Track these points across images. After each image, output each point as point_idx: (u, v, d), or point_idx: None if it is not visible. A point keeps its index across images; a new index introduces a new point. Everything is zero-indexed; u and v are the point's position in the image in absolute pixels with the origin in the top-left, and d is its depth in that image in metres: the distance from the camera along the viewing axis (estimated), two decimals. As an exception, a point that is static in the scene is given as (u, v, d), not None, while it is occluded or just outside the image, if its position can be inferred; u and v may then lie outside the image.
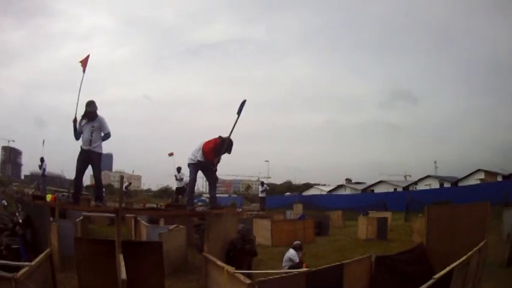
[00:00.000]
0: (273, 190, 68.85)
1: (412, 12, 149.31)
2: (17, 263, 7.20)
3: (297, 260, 11.35)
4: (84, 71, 9.82)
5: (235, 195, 79.65)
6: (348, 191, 66.24)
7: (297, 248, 11.77)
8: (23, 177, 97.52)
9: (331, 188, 72.87)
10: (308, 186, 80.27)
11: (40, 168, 25.20)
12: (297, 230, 20.04)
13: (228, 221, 10.55)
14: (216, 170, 10.86)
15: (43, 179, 25.16)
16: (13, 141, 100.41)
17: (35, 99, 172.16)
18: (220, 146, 10.23)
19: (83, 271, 9.91)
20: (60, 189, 44.51)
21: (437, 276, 6.74)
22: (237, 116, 10.02)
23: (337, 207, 35.18)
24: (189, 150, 10.88)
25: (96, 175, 10.16)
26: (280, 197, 60.63)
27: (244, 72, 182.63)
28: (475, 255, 8.61)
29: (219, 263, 8.34)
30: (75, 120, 9.52)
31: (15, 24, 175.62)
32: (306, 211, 31.05)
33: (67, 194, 34.31)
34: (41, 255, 7.63)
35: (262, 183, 31.61)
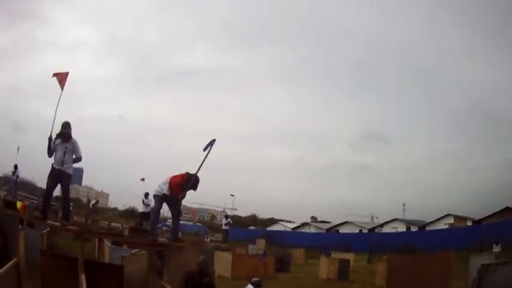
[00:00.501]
0: (238, 222, 68.85)
1: (387, 53, 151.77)
2: None
3: None
4: (62, 88, 9.92)
5: (200, 224, 79.49)
6: (312, 229, 66.09)
7: (256, 285, 11.50)
8: None
9: (295, 225, 72.72)
10: (273, 221, 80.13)
11: (13, 175, 25.49)
12: (258, 265, 20.11)
13: (189, 253, 10.84)
14: (180, 205, 11.06)
15: (15, 184, 25.61)
16: None
17: (14, 104, 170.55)
18: (187, 182, 10.32)
19: (46, 284, 9.91)
20: (30, 196, 44.16)
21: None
22: (205, 154, 10.13)
23: (300, 245, 35.61)
24: (156, 182, 11.01)
25: (65, 194, 10.47)
26: (244, 230, 60.38)
27: (219, 102, 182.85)
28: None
29: None
30: (50, 138, 9.64)
31: (1, 26, 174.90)
32: (269, 247, 31.41)
33: (36, 202, 34.09)
34: (9, 264, 7.86)
35: (227, 217, 31.62)
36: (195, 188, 10.40)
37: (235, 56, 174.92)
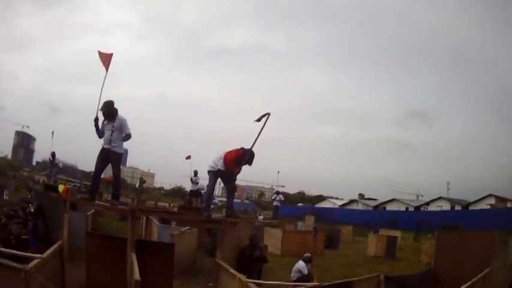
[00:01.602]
0: (286, 199, 68.48)
1: (429, 33, 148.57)
2: (29, 254, 7.25)
3: (306, 272, 11.36)
4: (107, 69, 9.84)
5: (248, 201, 79.35)
6: (360, 207, 65.69)
7: (307, 260, 11.75)
8: (34, 163, 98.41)
9: (344, 202, 72.38)
10: (321, 198, 79.30)
11: (51, 164, 25.61)
12: (307, 241, 20.05)
13: (242, 229, 10.57)
14: (235, 180, 10.91)
15: (55, 172, 25.51)
16: (27, 126, 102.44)
17: (50, 88, 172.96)
18: (242, 157, 10.11)
19: (91, 265, 10.09)
20: (72, 179, 45.21)
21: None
22: (260, 128, 9.82)
23: (348, 222, 35.23)
24: (207, 155, 11.08)
25: (116, 174, 10.14)
26: (292, 207, 59.47)
27: (262, 80, 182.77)
28: (479, 281, 8.73)
29: (232, 270, 8.39)
30: (96, 119, 9.58)
31: (34, 11, 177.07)
32: (317, 223, 30.92)
33: (79, 184, 34.60)
34: (53, 248, 7.62)
35: (278, 193, 31.34)
36: (250, 163, 10.24)
37: (276, 34, 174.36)
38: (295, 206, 61.53)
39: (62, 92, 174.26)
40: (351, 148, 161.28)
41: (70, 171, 65.85)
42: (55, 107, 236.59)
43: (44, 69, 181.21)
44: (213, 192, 11.73)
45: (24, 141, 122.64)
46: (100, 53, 9.93)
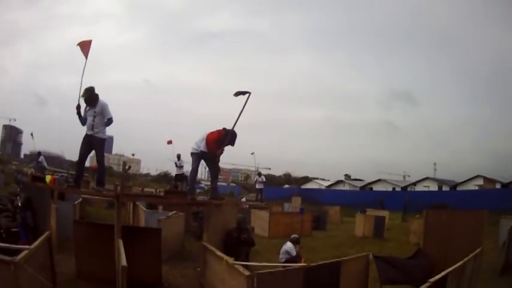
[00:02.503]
0: (272, 181, 68.32)
1: (414, 14, 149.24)
2: (17, 246, 7.14)
3: (294, 254, 11.29)
4: (86, 57, 9.66)
5: (234, 184, 79.51)
6: (346, 187, 66.20)
7: (295, 242, 11.68)
8: (22, 156, 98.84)
9: (330, 183, 72.82)
10: (307, 179, 79.82)
11: (36, 163, 26.30)
12: (295, 223, 19.79)
13: (228, 211, 10.58)
14: (218, 161, 10.86)
15: (39, 166, 25.72)
16: (14, 119, 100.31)
17: (37, 79, 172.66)
18: (224, 137, 10.09)
19: (80, 254, 10.02)
20: (59, 170, 45.07)
21: (432, 280, 6.77)
22: (241, 108, 9.77)
23: (335, 203, 35.21)
24: (192, 139, 10.76)
25: (99, 160, 10.18)
26: (278, 189, 60.04)
27: (246, 64, 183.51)
28: (471, 261, 8.63)
29: (218, 253, 8.36)
30: (78, 107, 9.50)
31: (20, 5, 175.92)
32: (304, 205, 30.88)
33: (66, 174, 34.40)
34: (40, 238, 7.56)
35: (260, 174, 31.00)
36: (232, 143, 10.19)
37: (260, 18, 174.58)
38: (281, 188, 61.77)
39: (49, 83, 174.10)
40: (337, 130, 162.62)
41: (57, 161, 65.68)
42: (43, 98, 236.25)
43: (31, 61, 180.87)
44: (196, 174, 11.57)
45: (11, 135, 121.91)
46: (80, 43, 9.80)
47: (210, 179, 11.98)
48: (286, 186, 67.32)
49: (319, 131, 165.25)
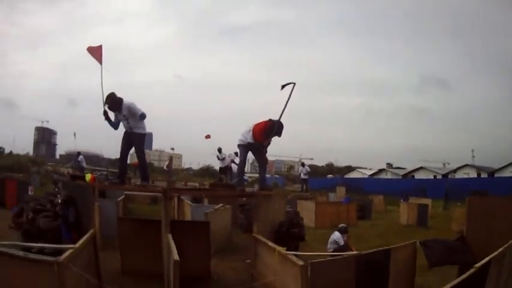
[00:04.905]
0: (315, 171, 67.75)
1: (440, 2, 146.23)
2: (61, 245, 7.01)
3: (342, 243, 11.29)
4: (100, 62, 9.44)
5: (277, 176, 79.18)
6: (388, 176, 65.38)
7: (342, 231, 11.69)
8: (58, 156, 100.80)
9: (372, 171, 72.18)
10: (350, 169, 79.14)
11: (75, 162, 26.88)
12: (340, 212, 19.95)
13: (276, 203, 10.14)
14: (265, 152, 10.52)
15: (78, 165, 25.97)
16: (47, 121, 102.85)
17: (68, 81, 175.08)
18: (271, 128, 9.75)
19: (125, 250, 10.23)
20: (98, 168, 45.57)
21: (478, 265, 6.72)
22: (286, 99, 9.48)
23: (378, 192, 34.72)
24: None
25: (140, 155, 9.96)
26: (322, 179, 59.63)
27: (276, 55, 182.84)
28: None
29: (270, 244, 8.23)
30: (104, 113, 9.30)
31: (43, 8, 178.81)
32: (348, 194, 31.00)
33: (105, 173, 34.59)
34: (85, 236, 7.52)
35: (303, 164, 31.15)
36: (279, 134, 9.89)
37: (287, 9, 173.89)
38: (325, 178, 61.30)
39: (79, 84, 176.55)
40: (373, 117, 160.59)
41: (95, 160, 66.47)
42: (74, 99, 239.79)
43: (59, 64, 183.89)
44: (244, 166, 11.32)
45: (45, 136, 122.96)
46: (89, 48, 9.55)
47: (258, 170, 11.57)
48: (330, 176, 66.66)
49: (356, 119, 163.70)
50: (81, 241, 6.94)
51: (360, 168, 78.38)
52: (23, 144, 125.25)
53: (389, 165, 72.89)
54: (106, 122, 9.38)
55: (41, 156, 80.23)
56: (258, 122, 10.17)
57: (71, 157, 34.41)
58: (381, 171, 70.31)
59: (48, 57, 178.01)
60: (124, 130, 9.51)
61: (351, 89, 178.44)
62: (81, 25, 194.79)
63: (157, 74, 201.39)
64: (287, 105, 9.51)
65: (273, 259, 7.63)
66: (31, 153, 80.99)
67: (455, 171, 58.39)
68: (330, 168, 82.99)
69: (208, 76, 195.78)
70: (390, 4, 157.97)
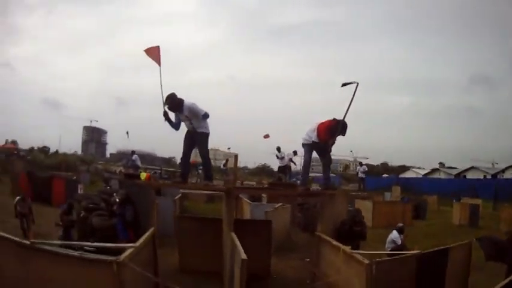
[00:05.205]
0: (370, 171, 66.95)
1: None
2: (122, 244, 6.87)
3: (399, 242, 11.31)
4: (159, 63, 9.37)
5: (333, 175, 78.62)
6: (441, 175, 64.02)
7: (400, 231, 11.71)
8: (108, 155, 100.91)
9: (426, 171, 70.77)
10: (404, 168, 77.59)
11: (129, 161, 26.43)
12: (396, 212, 19.95)
13: (340, 201, 10.06)
14: (330, 151, 10.28)
15: (132, 164, 25.33)
16: (96, 121, 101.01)
17: (116, 81, 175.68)
18: (335, 127, 9.57)
19: (183, 248, 10.63)
20: (151, 167, 44.95)
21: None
22: (351, 98, 9.19)
23: (430, 191, 34.49)
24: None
25: (203, 154, 9.71)
26: (377, 178, 57.94)
27: (326, 54, 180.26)
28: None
29: (335, 242, 8.16)
30: (165, 114, 9.20)
31: (87, 11, 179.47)
32: (403, 194, 30.95)
33: (159, 171, 34.89)
34: (146, 235, 7.43)
35: (361, 164, 31.44)
36: (343, 133, 9.68)
37: (335, 8, 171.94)
38: (380, 177, 60.77)
39: (127, 84, 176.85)
40: (424, 116, 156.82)
41: (149, 158, 66.81)
42: (123, 99, 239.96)
43: (106, 65, 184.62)
44: (309, 165, 10.77)
45: (94, 135, 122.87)
46: (146, 50, 9.46)
47: (322, 169, 11.07)
48: (385, 175, 65.97)
49: (407, 119, 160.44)
50: (141, 240, 6.97)
51: (414, 167, 77.01)
52: (69, 143, 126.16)
53: (442, 164, 71.58)
54: (166, 122, 9.32)
55: (90, 155, 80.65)
56: (322, 121, 10.05)
57: (122, 156, 34.58)
58: (434, 170, 68.96)
59: (95, 58, 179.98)
60: (186, 130, 9.46)
61: (399, 88, 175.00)
62: (128, 26, 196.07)
63: (209, 74, 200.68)
64: (351, 104, 9.30)
65: (337, 258, 7.63)
66: (79, 152, 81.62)
67: (503, 171, 56.94)
68: (385, 167, 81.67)
69: (260, 76, 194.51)
70: (439, 2, 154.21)
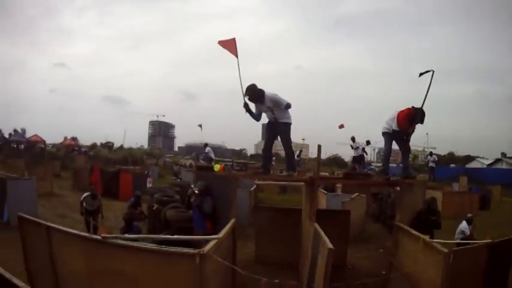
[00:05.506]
0: (437, 161, 65.99)
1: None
2: (203, 236, 7.01)
3: (468, 233, 11.37)
4: (236, 55, 9.10)
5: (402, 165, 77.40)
6: (503, 166, 62.33)
7: (469, 221, 11.75)
8: (176, 149, 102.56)
9: (489, 161, 68.58)
10: (469, 158, 74.44)
11: (200, 154, 26.87)
12: (464, 202, 19.94)
13: (417, 191, 9.85)
14: (409, 140, 10.18)
15: (205, 157, 25.18)
16: (163, 115, 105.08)
17: (183, 76, 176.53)
18: (414, 115, 9.45)
19: (260, 239, 10.94)
20: (222, 159, 45.31)
21: None
22: (427, 87, 9.00)
23: (494, 182, 34.41)
24: (383, 119, 10.30)
25: (286, 145, 9.39)
26: (444, 168, 57.58)
27: (389, 44, 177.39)
28: None
29: (413, 232, 8.13)
30: (245, 105, 9.00)
31: (150, 7, 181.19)
32: (470, 184, 30.71)
33: (231, 163, 35.53)
34: (227, 226, 7.48)
35: (431, 154, 31.34)
36: (422, 121, 9.50)
37: None
38: (447, 167, 60.01)
39: (193, 79, 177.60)
40: (489, 105, 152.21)
41: (219, 151, 67.21)
42: (189, 93, 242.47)
43: (171, 60, 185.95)
44: (389, 154, 10.80)
45: (161, 130, 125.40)
46: (221, 42, 9.25)
47: (401, 158, 10.96)
48: (452, 165, 65.05)
49: (473, 107, 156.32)
50: (223, 231, 6.96)
51: (479, 157, 75.36)
52: (135, 138, 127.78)
53: (503, 154, 70.17)
54: (247, 114, 9.17)
55: (157, 149, 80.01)
56: (402, 109, 9.91)
57: (191, 149, 34.65)
58: (497, 161, 67.54)
59: (158, 55, 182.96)
60: (267, 121, 9.37)
61: (465, 76, 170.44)
62: (191, 22, 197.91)
63: (274, 65, 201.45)
64: (428, 93, 9.12)
65: (415, 247, 7.59)
66: (145, 146, 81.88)
67: None
68: (451, 157, 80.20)
69: (326, 66, 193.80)
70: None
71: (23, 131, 38.92)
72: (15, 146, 38.28)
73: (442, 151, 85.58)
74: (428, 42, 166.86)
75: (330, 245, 6.20)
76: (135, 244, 5.49)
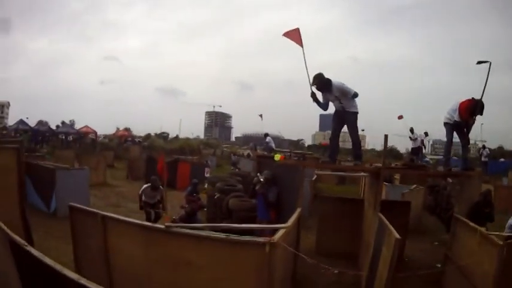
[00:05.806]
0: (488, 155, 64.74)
1: None
2: (274, 225, 6.62)
3: None
4: (301, 45, 8.87)
5: (456, 158, 76.69)
6: None
7: None
8: (233, 139, 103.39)
9: None
10: None
11: (255, 145, 27.64)
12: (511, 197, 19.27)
13: (474, 183, 9.65)
14: (469, 132, 9.88)
15: (267, 146, 24.92)
16: (220, 106, 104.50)
17: (236, 66, 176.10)
18: (474, 106, 9.17)
19: (322, 229, 10.67)
20: (280, 149, 46.34)
21: None
22: (486, 78, 8.88)
23: None
24: (446, 109, 9.93)
25: (353, 134, 9.24)
26: (494, 162, 56.35)
27: (441, 33, 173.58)
28: None
29: (471, 224, 7.77)
30: (312, 94, 8.80)
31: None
32: None
33: (289, 153, 36.21)
34: (294, 215, 7.28)
35: (484, 147, 31.34)
36: (481, 112, 9.23)
37: None
38: (497, 161, 59.02)
39: (250, 69, 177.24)
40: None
41: (276, 141, 67.82)
42: (246, 84, 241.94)
43: (227, 51, 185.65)
44: (451, 145, 10.44)
45: (217, 120, 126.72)
46: (286, 33, 9.00)
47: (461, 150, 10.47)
48: (502, 159, 63.97)
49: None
50: (291, 220, 6.82)
51: (524, 151, 73.33)
52: (191, 129, 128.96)
53: (538, 148, 68.25)
54: (314, 103, 9.02)
55: (213, 139, 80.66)
56: (463, 100, 9.61)
57: (249, 139, 34.65)
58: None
59: (214, 46, 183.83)
60: (334, 110, 9.17)
61: (506, 67, 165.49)
62: (243, 12, 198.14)
63: (328, 56, 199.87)
64: (486, 84, 8.97)
65: (472, 240, 7.36)
66: (201, 136, 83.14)
67: None
68: (501, 151, 78.75)
69: (382, 57, 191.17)
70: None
71: (72, 122, 39.52)
72: (63, 137, 39.42)
73: (492, 144, 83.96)
74: (483, 31, 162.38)
75: (397, 235, 6.00)
76: (203, 233, 5.43)
